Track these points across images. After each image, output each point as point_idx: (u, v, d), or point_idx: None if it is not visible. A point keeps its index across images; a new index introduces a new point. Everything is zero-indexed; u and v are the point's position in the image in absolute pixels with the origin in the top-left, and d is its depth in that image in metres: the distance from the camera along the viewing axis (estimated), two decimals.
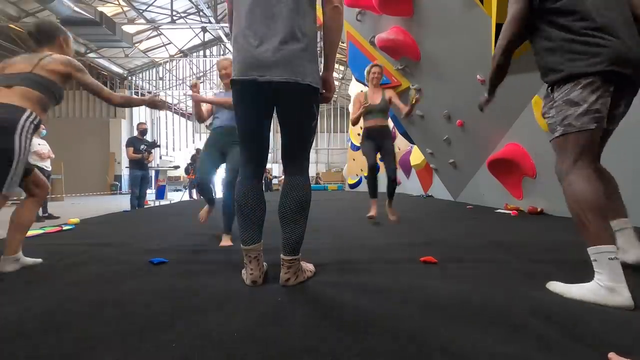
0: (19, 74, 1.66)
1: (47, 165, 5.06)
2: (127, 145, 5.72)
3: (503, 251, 2.06)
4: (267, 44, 1.28)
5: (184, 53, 17.46)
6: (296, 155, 1.46)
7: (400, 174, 10.66)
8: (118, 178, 15.99)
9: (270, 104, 1.38)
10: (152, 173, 8.79)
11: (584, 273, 1.55)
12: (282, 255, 1.40)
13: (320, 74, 1.47)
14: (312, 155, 23.20)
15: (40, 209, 4.80)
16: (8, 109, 1.57)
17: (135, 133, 6.04)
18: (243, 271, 1.56)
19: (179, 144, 20.12)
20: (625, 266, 1.28)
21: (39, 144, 4.99)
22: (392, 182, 3.43)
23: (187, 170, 11.13)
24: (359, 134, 13.89)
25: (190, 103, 20.91)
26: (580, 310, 1.12)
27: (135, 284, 1.45)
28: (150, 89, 18.92)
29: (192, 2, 13.36)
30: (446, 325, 1.02)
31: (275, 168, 20.17)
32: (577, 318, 1.07)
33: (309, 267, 1.57)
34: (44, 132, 5.13)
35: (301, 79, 1.31)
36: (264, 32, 1.29)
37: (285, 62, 1.29)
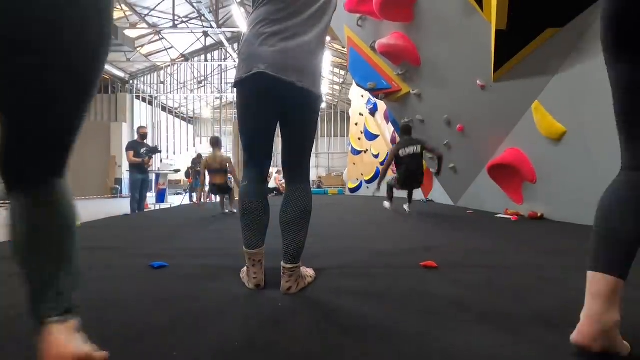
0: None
1: None
2: (128, 149, 5.73)
3: (503, 256, 2.06)
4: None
5: (186, 57, 17.58)
6: (299, 163, 1.46)
7: None
8: (119, 181, 16.01)
9: (281, 108, 1.39)
10: (153, 176, 8.81)
11: (584, 277, 1.56)
12: (282, 264, 1.39)
13: None
14: (313, 159, 23.25)
15: None
16: (225, 183, 4.75)
17: (136, 137, 6.05)
18: (242, 274, 1.56)
19: (179, 147, 20.16)
20: None
21: None
22: None
23: (187, 174, 11.15)
24: (359, 138, 13.93)
25: (190, 107, 21.01)
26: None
27: (135, 288, 1.45)
28: (152, 92, 19.00)
29: (194, 7, 13.47)
30: (446, 330, 1.03)
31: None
32: (577, 322, 1.07)
33: (308, 272, 1.57)
34: None
35: (316, 87, 1.36)
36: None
37: (309, 70, 1.33)
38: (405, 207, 4.85)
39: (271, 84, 1.27)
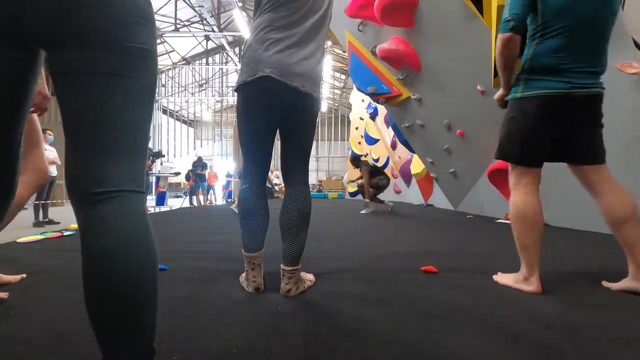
0: None
1: (51, 170, 5.08)
2: None
3: (503, 261, 2.05)
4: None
5: (187, 61, 17.64)
6: (299, 165, 1.48)
7: (400, 183, 10.66)
8: None
9: (283, 112, 1.39)
10: (153, 179, 8.81)
11: (583, 282, 1.56)
12: (282, 266, 1.40)
13: None
14: (313, 163, 23.27)
15: (41, 213, 4.82)
16: None
17: None
18: (241, 278, 1.56)
19: (179, 150, 20.17)
20: None
21: (46, 149, 5.02)
22: None
23: (187, 177, 11.15)
24: (359, 142, 13.95)
25: (191, 110, 21.06)
26: (580, 319, 1.12)
27: None
28: None
29: (196, 11, 13.54)
30: (446, 335, 1.02)
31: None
32: (577, 326, 1.07)
33: (308, 276, 1.57)
34: (51, 138, 5.17)
35: (317, 92, 1.38)
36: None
37: (312, 75, 1.36)
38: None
39: (275, 88, 1.29)
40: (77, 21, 0.59)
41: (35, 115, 1.52)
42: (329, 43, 12.86)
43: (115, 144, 0.62)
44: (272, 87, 1.29)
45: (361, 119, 13.36)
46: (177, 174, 10.27)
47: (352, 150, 6.89)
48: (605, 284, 1.51)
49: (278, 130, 1.47)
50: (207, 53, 17.55)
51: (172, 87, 19.23)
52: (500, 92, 1.62)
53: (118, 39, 0.61)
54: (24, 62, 0.64)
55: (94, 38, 0.60)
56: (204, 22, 14.16)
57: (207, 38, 15.41)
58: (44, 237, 2.96)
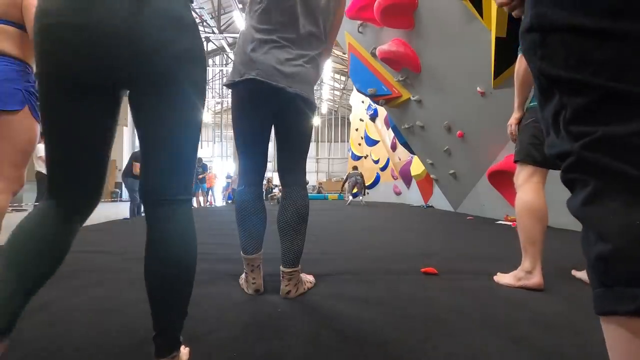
0: None
1: None
2: (135, 160, 5.46)
3: (503, 262, 2.05)
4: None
5: None
6: (294, 167, 1.47)
7: (400, 184, 10.67)
8: (118, 185, 15.99)
9: (275, 112, 1.40)
10: None
11: (583, 284, 1.55)
12: (282, 268, 1.39)
13: None
14: (314, 164, 23.26)
15: None
16: None
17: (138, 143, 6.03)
18: (241, 280, 1.55)
19: None
20: None
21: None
22: None
23: None
24: (359, 144, 13.97)
25: None
26: (581, 320, 1.12)
27: (135, 293, 1.44)
28: None
29: (196, 12, 13.56)
30: (447, 336, 1.02)
31: (275, 177, 20.22)
32: (577, 328, 1.07)
33: (308, 278, 1.57)
34: None
35: (307, 92, 1.38)
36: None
37: (301, 77, 1.36)
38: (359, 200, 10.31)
39: (263, 89, 1.30)
40: (150, 67, 0.71)
41: (24, 124, 1.57)
42: None
43: (179, 164, 0.80)
44: (260, 88, 1.30)
45: (361, 120, 13.39)
46: None
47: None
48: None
49: (274, 132, 1.47)
50: (208, 55, 17.59)
51: None
52: (515, 114, 1.67)
53: (181, 77, 0.75)
54: (112, 102, 0.79)
55: (163, 79, 0.73)
56: (204, 23, 14.20)
57: (208, 40, 15.44)
58: None
